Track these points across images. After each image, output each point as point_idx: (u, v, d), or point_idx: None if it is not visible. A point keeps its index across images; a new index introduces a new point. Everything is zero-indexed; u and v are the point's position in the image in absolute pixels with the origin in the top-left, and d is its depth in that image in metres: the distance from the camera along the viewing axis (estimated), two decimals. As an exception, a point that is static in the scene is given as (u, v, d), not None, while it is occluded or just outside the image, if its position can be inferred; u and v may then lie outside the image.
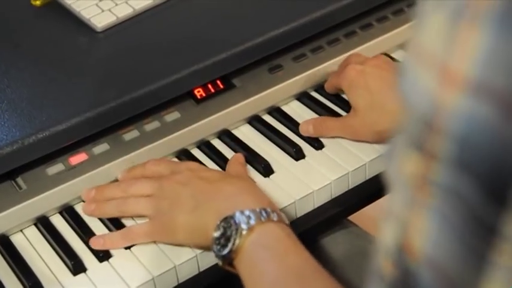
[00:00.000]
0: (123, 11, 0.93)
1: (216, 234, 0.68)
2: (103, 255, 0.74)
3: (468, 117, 0.35)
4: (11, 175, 0.79)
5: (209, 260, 0.75)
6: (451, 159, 0.36)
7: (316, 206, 0.81)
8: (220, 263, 0.68)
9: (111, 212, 0.77)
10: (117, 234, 0.76)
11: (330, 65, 0.92)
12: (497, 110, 0.34)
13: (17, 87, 0.84)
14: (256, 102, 0.88)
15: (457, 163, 0.36)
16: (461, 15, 0.35)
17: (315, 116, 0.89)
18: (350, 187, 0.83)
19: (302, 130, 0.85)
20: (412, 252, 0.39)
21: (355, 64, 0.85)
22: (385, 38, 0.95)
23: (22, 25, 0.95)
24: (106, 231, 0.77)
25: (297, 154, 0.84)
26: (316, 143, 0.85)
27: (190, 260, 0.74)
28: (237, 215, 0.67)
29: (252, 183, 0.76)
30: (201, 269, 0.75)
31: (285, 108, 0.90)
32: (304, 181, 0.81)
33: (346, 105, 0.89)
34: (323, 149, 0.84)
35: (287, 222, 0.70)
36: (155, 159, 0.81)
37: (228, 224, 0.67)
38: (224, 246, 0.67)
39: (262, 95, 0.88)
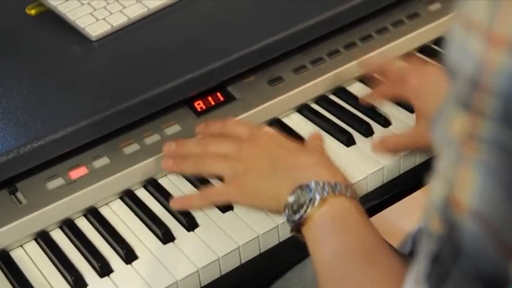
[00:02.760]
0: (118, 20, 0.93)
1: (291, 199, 0.70)
2: (103, 271, 0.74)
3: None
4: (11, 190, 0.78)
5: (211, 274, 0.75)
6: (496, 115, 0.40)
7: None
8: (289, 227, 0.70)
9: (189, 169, 0.80)
10: (195, 194, 0.78)
11: (330, 76, 0.92)
12: None
13: (12, 96, 0.84)
14: (257, 114, 0.88)
15: (502, 118, 0.40)
16: None
17: (315, 128, 0.88)
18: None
19: (374, 150, 0.84)
20: (458, 206, 0.43)
21: (414, 74, 0.85)
22: (385, 49, 0.95)
23: (17, 34, 0.94)
24: (105, 246, 0.77)
25: (298, 167, 0.83)
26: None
27: (192, 275, 0.73)
28: (313, 184, 0.69)
29: (328, 158, 0.77)
30: (203, 284, 0.75)
31: (285, 120, 0.90)
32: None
33: (346, 117, 0.89)
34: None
35: (358, 199, 0.71)
36: (235, 120, 0.83)
37: (303, 191, 0.69)
38: (296, 212, 0.69)
39: (263, 107, 0.88)
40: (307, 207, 0.68)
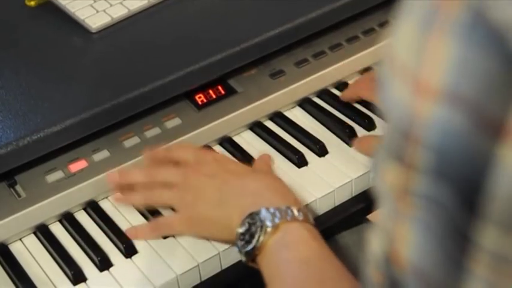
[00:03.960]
0: (118, 12, 0.92)
1: (241, 229, 0.68)
2: (103, 264, 0.73)
3: (442, 126, 0.35)
4: (10, 183, 0.77)
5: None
6: (428, 169, 0.37)
7: (319, 214, 0.80)
8: (243, 259, 0.68)
9: (138, 202, 0.77)
10: (147, 226, 0.76)
11: (332, 70, 0.91)
12: (468, 119, 0.34)
13: (11, 88, 0.83)
14: (258, 108, 0.87)
15: (434, 172, 0.36)
16: (430, 25, 0.35)
17: (316, 122, 0.88)
18: (353, 195, 0.82)
19: (359, 149, 0.83)
20: (398, 261, 0.40)
21: None
22: (387, 42, 0.94)
23: (16, 26, 0.94)
24: (105, 239, 0.76)
25: (300, 161, 0.83)
26: (319, 150, 0.84)
27: (193, 269, 0.73)
28: (263, 211, 0.67)
29: (278, 181, 0.75)
30: (203, 278, 0.74)
31: (287, 114, 0.89)
32: (306, 189, 0.80)
33: (348, 111, 0.88)
34: (326, 156, 0.84)
35: (312, 221, 0.69)
36: (180, 144, 0.80)
37: (253, 220, 0.67)
38: (248, 242, 0.67)
39: (264, 100, 0.87)
40: (259, 237, 0.66)
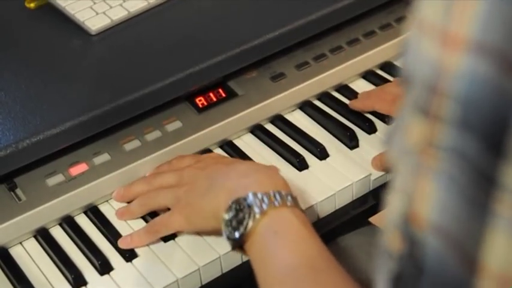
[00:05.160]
0: (118, 14, 0.92)
1: (227, 216, 0.66)
2: (103, 268, 0.73)
3: (469, 76, 0.37)
4: (10, 186, 0.77)
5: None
6: (454, 119, 0.38)
7: (320, 217, 0.80)
8: (230, 245, 0.67)
9: (137, 210, 0.77)
10: (142, 230, 0.75)
11: (333, 73, 0.91)
12: (496, 66, 0.36)
13: (10, 90, 0.83)
14: (259, 111, 0.87)
15: (460, 122, 0.38)
16: None
17: (317, 125, 0.88)
18: (354, 198, 0.82)
19: (375, 168, 0.82)
20: (418, 221, 0.40)
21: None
22: (388, 45, 0.95)
23: (16, 28, 0.93)
24: (105, 243, 0.76)
25: (300, 164, 0.82)
26: (320, 153, 0.84)
27: (193, 273, 0.73)
28: (250, 197, 0.65)
29: (268, 166, 0.75)
30: (204, 282, 0.74)
31: (287, 117, 0.89)
32: (307, 192, 0.79)
33: (349, 114, 0.88)
34: (327, 159, 0.83)
35: (302, 207, 0.68)
36: (181, 155, 0.81)
37: (241, 206, 0.66)
38: (236, 229, 0.65)
39: (265, 103, 0.87)
40: (247, 223, 0.64)
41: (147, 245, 0.75)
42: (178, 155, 0.81)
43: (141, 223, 0.78)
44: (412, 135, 0.40)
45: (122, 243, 0.75)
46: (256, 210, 0.65)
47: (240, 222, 0.65)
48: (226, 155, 0.85)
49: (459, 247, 0.39)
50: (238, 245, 0.66)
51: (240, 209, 0.66)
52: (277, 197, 0.66)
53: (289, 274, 0.62)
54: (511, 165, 0.37)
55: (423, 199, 0.40)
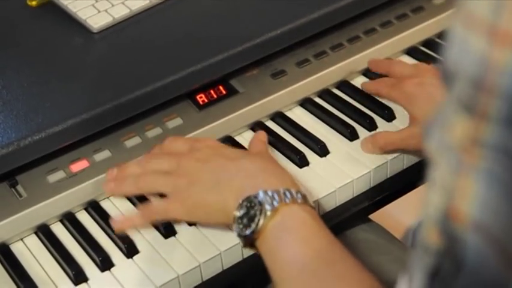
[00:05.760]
0: (120, 12, 0.92)
1: (239, 213, 0.67)
2: (104, 265, 0.73)
3: None
4: (11, 183, 0.77)
5: (213, 269, 0.74)
6: (501, 117, 0.37)
7: (320, 214, 0.80)
8: (241, 242, 0.68)
9: (129, 189, 0.77)
10: (137, 214, 0.75)
11: (333, 70, 0.91)
12: None
13: (12, 88, 0.83)
14: (259, 108, 0.87)
15: (506, 120, 0.37)
16: None
17: (318, 121, 0.88)
18: (355, 194, 0.82)
19: (364, 149, 0.83)
20: (458, 217, 0.40)
21: (411, 78, 0.85)
22: (388, 43, 0.95)
23: (18, 26, 0.93)
24: (106, 240, 0.76)
25: (301, 161, 0.83)
26: (320, 150, 0.84)
27: (194, 270, 0.73)
28: (261, 194, 0.66)
29: (273, 162, 0.75)
30: (205, 279, 0.74)
31: (288, 114, 0.89)
32: (308, 189, 0.79)
33: (350, 111, 0.88)
34: (327, 156, 0.83)
35: (311, 203, 0.69)
36: (173, 137, 0.80)
37: (252, 203, 0.66)
38: (247, 226, 0.66)
39: (265, 100, 0.87)
40: (258, 220, 0.65)
41: (147, 240, 0.75)
42: (169, 137, 0.79)
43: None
44: (455, 131, 0.40)
45: (114, 223, 0.75)
46: (267, 207, 0.65)
47: (252, 220, 0.66)
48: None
49: (500, 245, 0.39)
50: (250, 242, 0.67)
51: (251, 207, 0.66)
52: (287, 194, 0.67)
53: (303, 268, 0.63)
54: None
55: (465, 196, 0.40)
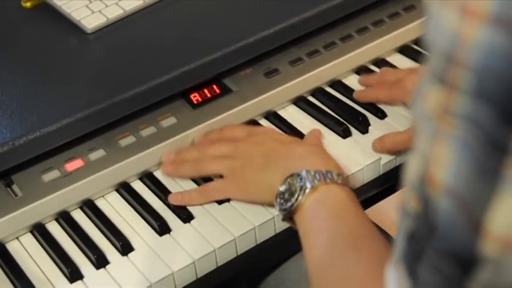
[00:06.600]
0: (114, 12, 0.93)
1: (282, 188, 0.71)
2: (100, 262, 0.74)
3: (487, 47, 0.38)
4: (6, 182, 0.78)
5: (207, 266, 0.75)
6: (470, 89, 0.39)
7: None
8: (281, 216, 0.72)
9: (188, 171, 0.81)
10: (194, 191, 0.79)
11: (327, 69, 0.92)
12: None
13: (7, 88, 0.83)
14: (253, 106, 0.88)
15: (475, 92, 0.39)
16: None
17: (311, 120, 0.89)
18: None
19: (374, 151, 0.84)
20: (433, 182, 0.42)
21: (409, 76, 0.86)
22: (381, 41, 0.95)
23: (12, 27, 0.94)
24: (101, 238, 0.76)
25: (294, 159, 0.83)
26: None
27: (188, 267, 0.73)
28: (304, 173, 0.70)
29: (322, 149, 0.80)
30: (199, 275, 0.75)
31: (281, 113, 0.90)
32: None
33: (341, 111, 0.89)
34: (320, 154, 0.84)
35: (350, 186, 0.72)
36: (232, 124, 0.84)
37: (294, 180, 0.70)
38: (287, 200, 0.70)
39: (259, 99, 0.88)
40: (298, 195, 0.69)
41: (142, 238, 0.76)
42: (228, 124, 0.84)
43: (138, 219, 0.78)
44: (430, 101, 0.42)
45: (172, 199, 0.78)
46: (308, 185, 0.69)
47: (292, 195, 0.70)
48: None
49: (468, 210, 0.41)
50: (289, 215, 0.71)
51: (293, 183, 0.70)
52: (329, 175, 0.70)
53: (331, 241, 0.66)
54: None
55: (439, 163, 0.42)
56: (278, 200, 0.71)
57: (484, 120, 0.39)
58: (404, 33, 0.97)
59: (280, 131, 0.85)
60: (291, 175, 0.71)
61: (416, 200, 0.44)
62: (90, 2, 0.94)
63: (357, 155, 0.83)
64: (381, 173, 0.84)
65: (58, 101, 0.82)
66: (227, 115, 0.86)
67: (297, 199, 0.69)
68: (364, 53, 0.94)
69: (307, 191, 0.69)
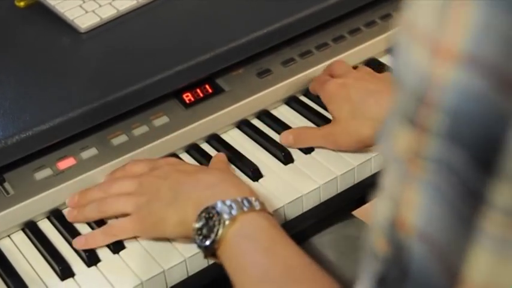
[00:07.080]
0: (107, 12, 0.93)
1: (198, 225, 0.67)
2: (91, 260, 0.74)
3: (460, 89, 0.35)
4: (-2, 180, 0.78)
5: (198, 263, 0.75)
6: (442, 132, 0.37)
7: (304, 210, 0.81)
8: (203, 253, 0.68)
9: (92, 214, 0.76)
10: (99, 231, 0.75)
11: (319, 69, 0.92)
12: (489, 82, 0.34)
13: (0, 87, 0.83)
14: (245, 106, 0.88)
15: (448, 135, 0.36)
16: None
17: (304, 120, 0.89)
18: (339, 191, 0.83)
19: (282, 140, 0.84)
20: (404, 226, 0.40)
21: (336, 78, 0.86)
22: (373, 42, 0.96)
23: (6, 26, 0.94)
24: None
25: (286, 158, 0.83)
26: (305, 147, 0.85)
27: (179, 264, 0.74)
28: (219, 204, 0.67)
29: (231, 173, 0.76)
30: (190, 273, 0.75)
31: (274, 113, 0.90)
32: (293, 185, 0.80)
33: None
34: (312, 153, 0.84)
35: (269, 210, 0.69)
36: (135, 160, 0.80)
37: (210, 214, 0.67)
38: (206, 237, 0.67)
39: (251, 99, 0.88)
40: (217, 230, 0.66)
41: (136, 237, 0.76)
42: (131, 160, 0.80)
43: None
44: (400, 143, 0.39)
45: (76, 243, 0.75)
46: (226, 216, 0.66)
47: (211, 230, 0.66)
48: (213, 149, 0.86)
49: (443, 257, 0.38)
50: (210, 252, 0.67)
51: (209, 217, 0.67)
52: (245, 202, 0.67)
53: (264, 276, 0.63)
54: (501, 184, 0.36)
55: (410, 207, 0.39)
56: (196, 237, 0.68)
57: (458, 164, 0.37)
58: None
59: (183, 161, 0.82)
60: (206, 209, 0.67)
61: (386, 244, 0.42)
62: (84, 2, 0.95)
63: (348, 155, 0.83)
64: (373, 173, 0.84)
65: (51, 100, 0.82)
66: (219, 115, 0.86)
67: (217, 234, 0.66)
68: (356, 53, 0.94)
69: (226, 222, 0.66)
